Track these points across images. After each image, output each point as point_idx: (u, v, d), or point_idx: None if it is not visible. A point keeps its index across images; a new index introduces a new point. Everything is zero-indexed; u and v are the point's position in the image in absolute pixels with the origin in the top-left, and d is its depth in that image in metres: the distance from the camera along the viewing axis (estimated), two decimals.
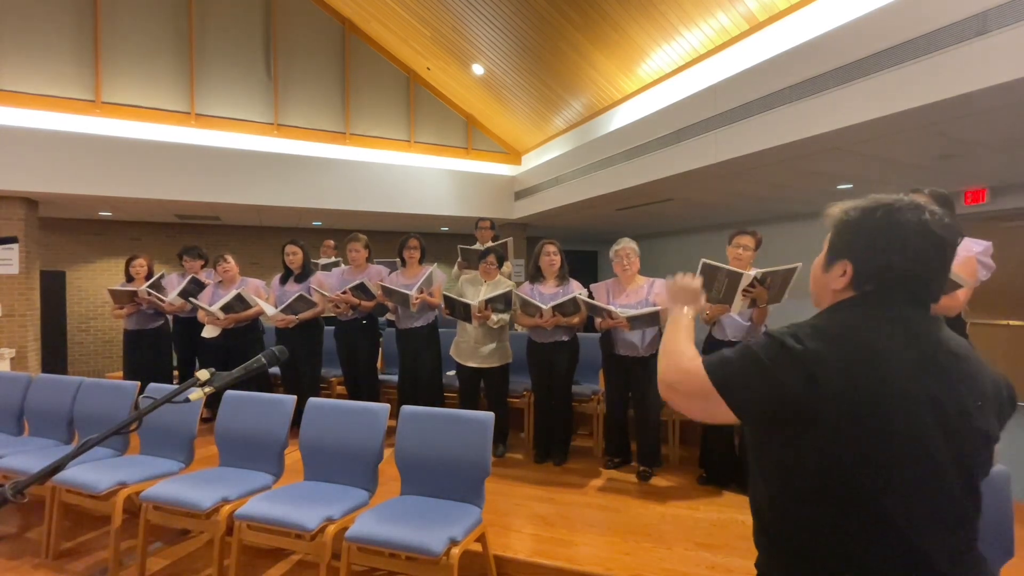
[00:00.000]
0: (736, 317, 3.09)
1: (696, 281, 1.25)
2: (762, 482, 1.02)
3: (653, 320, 3.15)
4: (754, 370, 0.96)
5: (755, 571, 1.11)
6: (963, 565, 0.91)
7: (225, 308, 4.09)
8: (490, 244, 4.66)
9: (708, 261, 2.86)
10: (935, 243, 0.96)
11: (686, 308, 1.22)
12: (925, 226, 0.96)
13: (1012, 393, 1.01)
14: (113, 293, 4.55)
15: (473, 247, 4.74)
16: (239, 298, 4.09)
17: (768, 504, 1.02)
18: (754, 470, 1.04)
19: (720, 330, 3.20)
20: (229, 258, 4.37)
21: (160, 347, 4.76)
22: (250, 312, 4.20)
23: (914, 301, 0.98)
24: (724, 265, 2.86)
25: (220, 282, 4.42)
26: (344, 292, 4.00)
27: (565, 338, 3.60)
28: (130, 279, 4.69)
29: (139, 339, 4.65)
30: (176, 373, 5.01)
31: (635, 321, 3.19)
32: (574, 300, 3.38)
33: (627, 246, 3.41)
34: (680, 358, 1.08)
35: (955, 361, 0.94)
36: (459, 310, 3.63)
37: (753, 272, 2.84)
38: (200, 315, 4.27)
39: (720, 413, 0.99)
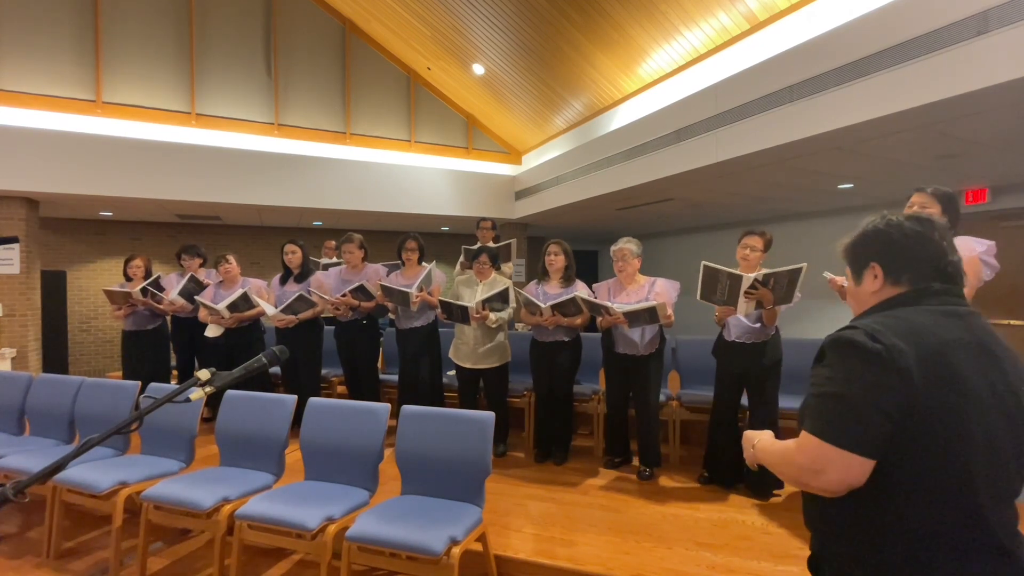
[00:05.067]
0: (743, 319, 3.08)
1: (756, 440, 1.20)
2: None
3: (652, 317, 3.15)
4: (852, 403, 0.93)
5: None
6: (1017, 541, 0.96)
7: (231, 307, 4.09)
8: (489, 244, 4.66)
9: (708, 264, 2.86)
10: (936, 234, 1.06)
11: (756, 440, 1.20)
12: (923, 221, 1.08)
13: None
14: (109, 294, 4.55)
15: (475, 247, 4.74)
16: (244, 297, 4.10)
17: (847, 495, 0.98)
18: None
19: (727, 331, 3.19)
20: (231, 258, 4.37)
21: (158, 348, 4.75)
22: (252, 312, 4.20)
23: (952, 291, 1.05)
24: (723, 268, 2.86)
25: (221, 282, 4.43)
26: (344, 295, 4.00)
27: (566, 338, 3.60)
28: (128, 280, 4.69)
29: (137, 340, 4.64)
30: (175, 373, 5.01)
31: (633, 317, 3.18)
32: (574, 301, 3.38)
33: (624, 247, 3.40)
34: (786, 454, 1.04)
35: (1000, 347, 1.00)
36: (456, 313, 3.63)
37: (753, 274, 2.83)
38: (202, 314, 4.26)
39: (855, 467, 0.93)
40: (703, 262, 2.84)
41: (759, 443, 1.17)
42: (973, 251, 2.33)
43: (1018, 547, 0.95)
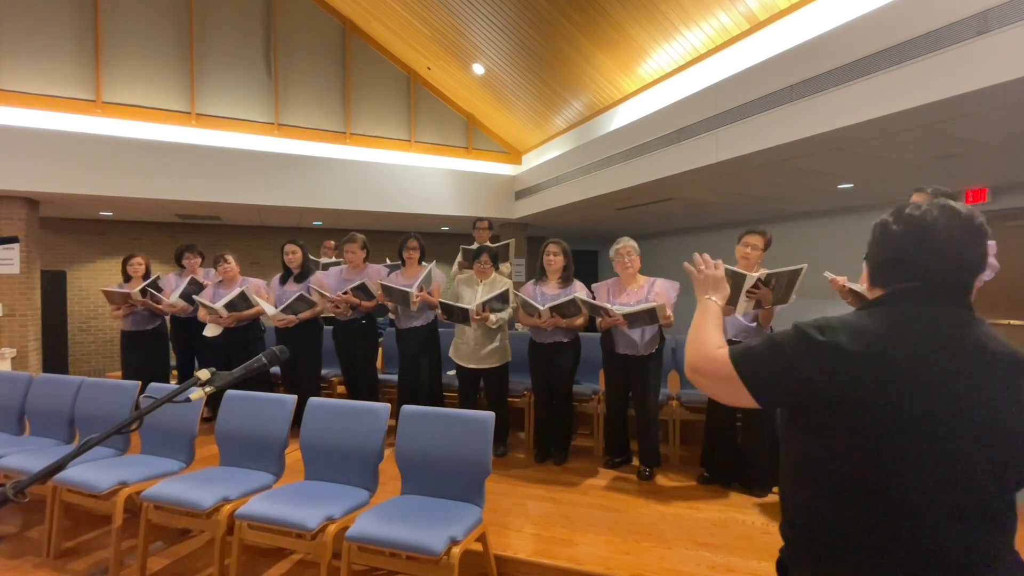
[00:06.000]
0: (740, 318, 3.08)
1: (720, 268, 1.30)
2: (786, 473, 1.06)
3: (651, 317, 3.15)
4: (778, 360, 1.01)
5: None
6: (986, 562, 0.90)
7: (229, 307, 4.09)
8: (487, 244, 4.66)
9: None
10: (944, 235, 0.97)
11: (714, 296, 1.27)
12: (929, 219, 0.98)
13: None
14: (108, 294, 4.54)
15: (472, 247, 4.74)
16: (242, 297, 4.10)
17: (791, 494, 1.05)
18: (782, 461, 1.08)
19: (724, 331, 3.19)
20: (230, 257, 4.37)
21: (158, 348, 4.75)
22: (251, 311, 4.20)
23: (943, 300, 0.97)
24: (726, 266, 2.86)
25: (220, 281, 4.43)
26: (344, 293, 4.00)
27: (565, 339, 3.59)
28: (128, 278, 4.69)
29: (136, 340, 4.64)
30: (175, 373, 5.01)
31: (632, 319, 3.19)
32: (573, 302, 3.38)
33: (627, 245, 3.40)
34: (706, 345, 1.14)
35: (991, 361, 0.91)
36: (456, 314, 3.63)
37: (756, 274, 2.83)
38: (201, 314, 4.26)
39: (743, 398, 1.04)
40: None
41: (704, 307, 1.26)
42: None
43: (987, 571, 0.90)
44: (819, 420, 0.97)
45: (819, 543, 1.00)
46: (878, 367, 0.92)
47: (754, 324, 3.08)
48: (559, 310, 3.41)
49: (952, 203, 0.99)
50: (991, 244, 2.38)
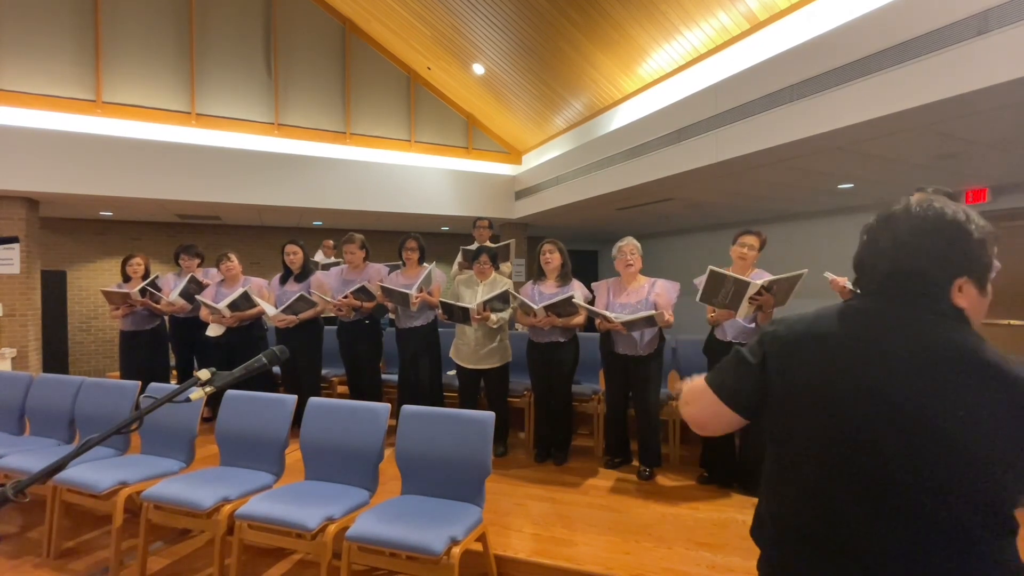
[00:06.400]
0: (740, 321, 3.09)
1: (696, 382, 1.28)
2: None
3: (650, 321, 3.16)
4: (739, 363, 1.07)
5: (756, 570, 1.14)
6: (917, 566, 0.86)
7: (231, 307, 4.09)
8: (487, 244, 4.66)
9: (716, 269, 2.87)
10: (889, 236, 0.97)
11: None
12: (879, 222, 1.00)
13: None
14: (107, 294, 4.54)
15: (473, 247, 4.74)
16: (245, 296, 4.10)
17: (760, 496, 1.11)
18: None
19: (721, 331, 3.20)
20: (232, 257, 4.37)
21: (157, 348, 4.75)
22: (253, 311, 4.21)
23: (910, 300, 0.94)
24: (731, 273, 2.87)
25: (223, 281, 4.42)
26: (346, 296, 4.00)
27: (562, 339, 3.59)
28: (127, 279, 4.68)
29: (135, 340, 4.63)
30: (175, 373, 5.01)
31: (631, 325, 3.20)
32: (568, 301, 3.38)
33: (630, 244, 3.41)
34: (690, 384, 1.17)
35: (945, 365, 0.87)
36: (457, 314, 3.63)
37: (760, 282, 2.84)
38: (203, 313, 4.26)
39: (725, 415, 1.07)
40: (710, 267, 2.86)
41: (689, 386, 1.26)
42: None
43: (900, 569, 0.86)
44: (769, 410, 1.03)
45: (763, 529, 1.06)
46: (804, 355, 0.98)
47: (752, 325, 3.10)
48: (554, 309, 3.41)
49: (924, 203, 0.97)
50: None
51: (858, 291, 1.04)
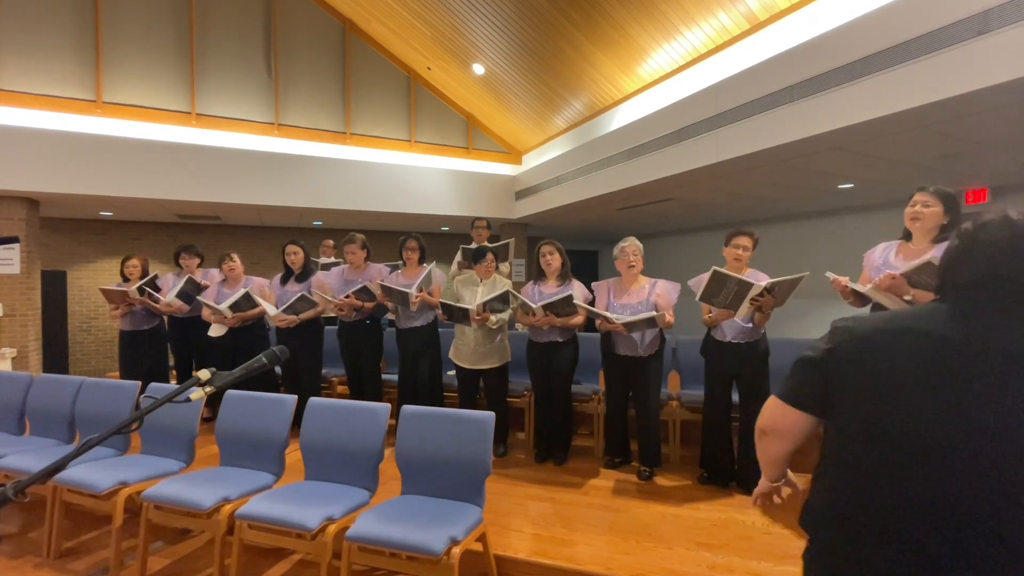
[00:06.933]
0: (739, 321, 3.10)
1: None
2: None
3: (650, 322, 3.16)
4: (799, 364, 1.09)
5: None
6: (976, 560, 0.88)
7: (233, 307, 4.10)
8: (485, 244, 4.66)
9: (719, 270, 2.88)
10: (995, 247, 0.96)
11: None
12: (1006, 226, 0.97)
13: None
14: (106, 293, 4.54)
15: (472, 247, 4.74)
16: (246, 297, 4.10)
17: (813, 487, 1.11)
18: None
19: (720, 332, 3.20)
20: (235, 256, 4.38)
21: (156, 348, 4.75)
22: (255, 311, 4.21)
23: (1006, 307, 0.94)
24: (733, 274, 2.88)
25: (224, 281, 4.43)
26: (348, 296, 4.00)
27: (560, 339, 3.59)
28: (125, 280, 4.68)
29: (135, 340, 4.63)
30: (174, 373, 5.01)
31: (631, 326, 3.20)
32: (567, 300, 3.38)
33: (633, 244, 3.40)
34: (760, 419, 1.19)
35: (1008, 368, 0.88)
36: (457, 314, 3.63)
37: (764, 283, 2.85)
38: (205, 313, 4.26)
39: (801, 422, 1.10)
40: (714, 268, 2.87)
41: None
42: None
43: (976, 567, 0.88)
44: (836, 399, 1.02)
45: (820, 530, 1.06)
46: (868, 354, 0.98)
47: (750, 325, 3.11)
48: (552, 308, 3.41)
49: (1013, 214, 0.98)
50: None
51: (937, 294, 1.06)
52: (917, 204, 2.41)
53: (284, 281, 4.41)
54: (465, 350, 3.74)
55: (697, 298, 3.05)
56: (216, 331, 4.23)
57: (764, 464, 1.25)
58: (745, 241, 3.11)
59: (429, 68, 8.33)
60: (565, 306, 3.41)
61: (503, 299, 3.62)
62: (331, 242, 5.85)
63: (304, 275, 4.35)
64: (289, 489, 2.48)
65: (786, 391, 1.10)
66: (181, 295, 4.47)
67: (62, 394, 3.33)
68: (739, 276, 2.87)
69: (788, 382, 1.11)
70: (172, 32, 7.03)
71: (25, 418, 3.47)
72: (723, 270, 2.89)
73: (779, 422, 1.13)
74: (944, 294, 1.02)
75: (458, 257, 4.82)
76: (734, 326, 3.14)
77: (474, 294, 3.72)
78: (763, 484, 1.30)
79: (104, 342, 8.16)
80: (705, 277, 3.11)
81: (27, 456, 2.93)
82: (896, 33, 3.41)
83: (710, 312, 3.16)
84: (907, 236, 2.52)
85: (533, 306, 3.40)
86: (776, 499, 1.30)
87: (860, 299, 2.50)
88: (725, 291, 2.90)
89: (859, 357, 0.99)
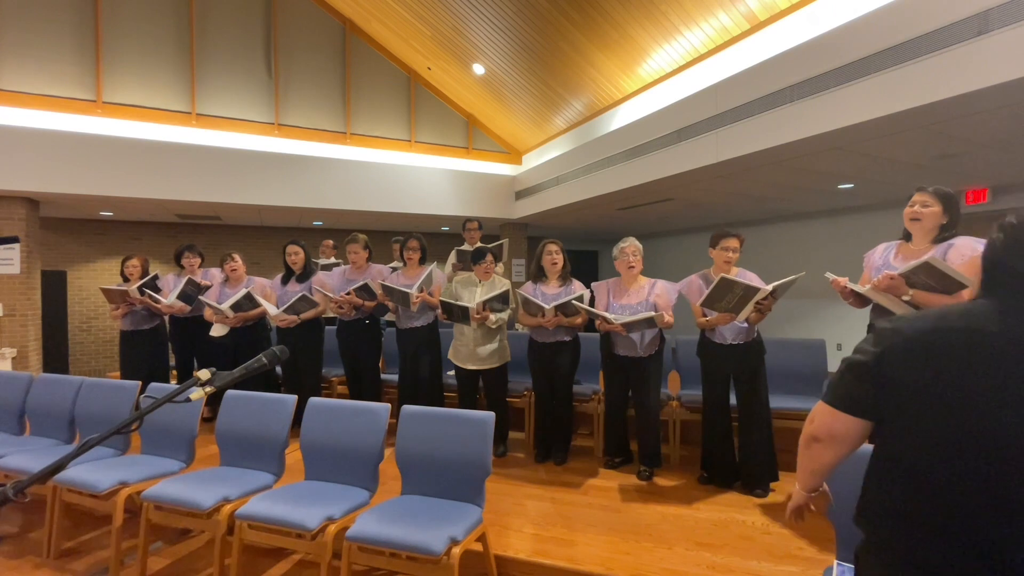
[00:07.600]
0: (736, 322, 3.11)
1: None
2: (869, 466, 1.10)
3: (650, 322, 3.16)
4: (848, 368, 1.07)
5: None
6: None
7: (235, 307, 4.10)
8: (479, 244, 4.65)
9: (728, 277, 2.89)
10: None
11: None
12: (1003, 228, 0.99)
13: None
14: (106, 292, 4.54)
15: (465, 248, 4.74)
16: (248, 297, 4.11)
17: (866, 482, 1.09)
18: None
19: (719, 335, 3.20)
20: (236, 257, 4.38)
21: (156, 348, 4.74)
22: (256, 311, 4.21)
23: (1003, 291, 0.97)
24: (740, 280, 2.89)
25: (226, 280, 4.43)
26: (348, 293, 4.01)
27: (567, 338, 3.60)
28: (126, 280, 4.68)
29: (135, 340, 4.63)
30: (175, 373, 5.01)
31: (630, 326, 3.20)
32: (576, 301, 3.39)
33: (633, 244, 3.41)
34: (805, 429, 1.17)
35: None
36: (456, 314, 3.63)
37: (769, 287, 2.87)
38: (207, 313, 4.27)
39: (854, 427, 1.08)
40: (722, 275, 2.88)
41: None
42: (975, 251, 2.33)
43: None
44: (887, 400, 1.01)
45: (877, 527, 1.04)
46: (920, 354, 0.96)
47: (745, 324, 3.13)
48: (562, 309, 3.42)
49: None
50: None
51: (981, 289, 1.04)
52: (916, 204, 2.41)
53: (285, 281, 4.41)
54: (464, 351, 3.74)
55: (699, 302, 3.06)
56: (218, 331, 4.23)
57: (809, 473, 1.20)
58: (734, 243, 3.15)
59: (429, 68, 8.33)
60: (570, 306, 3.42)
61: (503, 299, 3.62)
62: (331, 242, 5.86)
63: (305, 275, 4.35)
64: (289, 489, 2.47)
65: (837, 397, 1.08)
66: (182, 296, 4.47)
67: (62, 394, 3.33)
68: (745, 282, 2.89)
69: (838, 388, 1.08)
70: (172, 32, 7.03)
71: (25, 418, 3.47)
72: (731, 277, 2.90)
73: (834, 428, 1.10)
74: (991, 289, 1.00)
75: (452, 259, 4.80)
76: (733, 327, 3.15)
77: (473, 295, 3.72)
78: (799, 496, 1.26)
79: (104, 342, 8.16)
80: (695, 280, 3.12)
81: (27, 456, 2.93)
82: (896, 33, 3.41)
83: (707, 316, 3.16)
84: (907, 236, 2.52)
85: (545, 307, 3.40)
86: (812, 508, 1.27)
87: (859, 299, 2.50)
88: (729, 296, 2.91)
89: (916, 358, 0.97)
